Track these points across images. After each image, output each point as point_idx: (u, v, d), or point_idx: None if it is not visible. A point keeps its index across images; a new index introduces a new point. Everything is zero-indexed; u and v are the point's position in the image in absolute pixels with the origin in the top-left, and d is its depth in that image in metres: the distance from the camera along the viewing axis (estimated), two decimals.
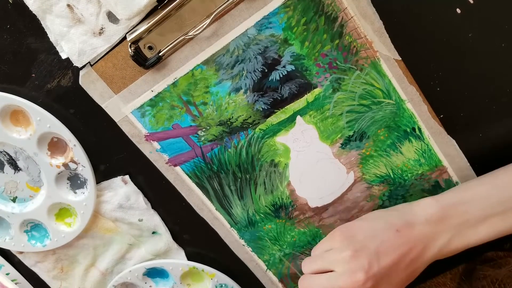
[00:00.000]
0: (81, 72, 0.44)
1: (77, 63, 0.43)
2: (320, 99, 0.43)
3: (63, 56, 0.43)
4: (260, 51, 0.42)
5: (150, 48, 0.41)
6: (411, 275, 0.41)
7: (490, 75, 0.40)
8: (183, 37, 0.41)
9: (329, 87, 0.43)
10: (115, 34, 0.41)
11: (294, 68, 0.42)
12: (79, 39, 0.42)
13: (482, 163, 0.45)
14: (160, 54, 0.41)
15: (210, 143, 0.47)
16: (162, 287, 0.57)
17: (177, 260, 0.54)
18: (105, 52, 0.42)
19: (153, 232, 0.53)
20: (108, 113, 0.46)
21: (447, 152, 0.44)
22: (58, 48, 0.43)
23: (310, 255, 0.52)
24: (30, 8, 0.41)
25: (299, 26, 0.40)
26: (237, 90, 0.44)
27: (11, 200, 0.53)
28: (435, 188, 0.46)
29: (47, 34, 0.43)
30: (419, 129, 0.44)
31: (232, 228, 0.52)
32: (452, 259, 0.42)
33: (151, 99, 0.45)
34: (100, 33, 0.41)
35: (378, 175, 0.46)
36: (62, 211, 0.53)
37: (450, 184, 0.46)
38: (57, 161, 0.49)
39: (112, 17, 0.41)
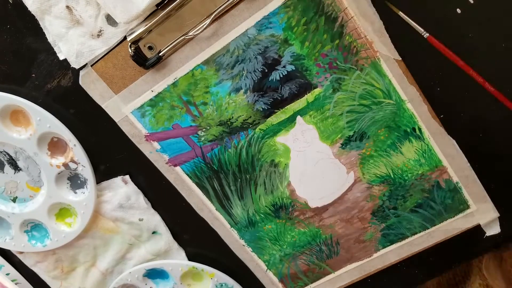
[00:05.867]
0: (81, 72, 0.44)
1: (75, 64, 0.43)
2: (320, 99, 0.43)
3: (61, 57, 0.43)
4: (260, 51, 0.42)
5: (150, 48, 0.41)
6: None
7: (490, 75, 0.40)
8: (183, 37, 0.41)
9: (329, 87, 0.43)
10: (113, 36, 0.41)
11: (294, 68, 0.42)
12: (77, 41, 0.42)
13: (482, 163, 0.45)
14: (160, 54, 0.41)
15: (210, 143, 0.46)
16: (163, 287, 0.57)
17: (177, 261, 0.54)
18: (103, 55, 0.42)
19: (153, 232, 0.53)
20: (108, 113, 0.46)
21: (447, 152, 0.44)
22: (56, 49, 0.43)
23: (310, 255, 0.52)
24: (29, 9, 0.41)
25: (299, 26, 0.40)
26: (237, 90, 0.44)
27: (11, 200, 0.53)
28: (435, 188, 0.46)
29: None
30: (419, 129, 0.44)
31: (232, 228, 0.52)
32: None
33: (151, 99, 0.45)
34: (98, 35, 0.41)
35: (378, 175, 0.46)
36: (62, 211, 0.53)
37: (450, 184, 0.46)
38: (57, 161, 0.49)
39: (110, 20, 0.41)
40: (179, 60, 0.42)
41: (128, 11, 0.38)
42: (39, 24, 0.42)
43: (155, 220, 0.52)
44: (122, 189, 0.50)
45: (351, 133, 0.45)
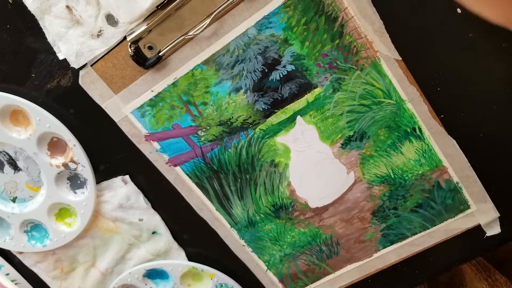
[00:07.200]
0: (81, 72, 0.44)
1: (74, 64, 0.43)
2: (320, 99, 0.43)
3: (60, 57, 0.43)
4: (260, 51, 0.42)
5: (150, 48, 0.41)
6: None
7: (490, 75, 0.40)
8: (183, 37, 0.41)
9: (330, 87, 0.43)
10: (113, 36, 0.41)
11: (294, 68, 0.42)
12: (77, 41, 0.42)
13: (482, 163, 0.45)
14: (160, 54, 0.41)
15: (210, 143, 0.46)
16: None
17: (177, 261, 0.54)
18: (103, 55, 0.42)
19: (153, 232, 0.53)
20: (108, 113, 0.46)
21: (448, 152, 0.44)
22: (55, 49, 0.43)
23: (310, 255, 0.52)
24: (28, 8, 0.41)
25: (300, 26, 0.40)
26: (237, 90, 0.44)
27: (11, 200, 0.53)
28: (436, 188, 0.46)
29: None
30: (420, 129, 0.44)
31: (232, 228, 0.51)
32: None
33: (151, 99, 0.44)
34: (98, 35, 0.41)
35: (378, 175, 0.46)
36: (62, 211, 0.53)
37: (450, 184, 0.46)
38: (57, 161, 0.49)
39: (110, 20, 0.41)
40: (179, 60, 0.42)
41: (131, 11, 0.38)
42: (39, 24, 0.42)
43: (155, 220, 0.52)
44: (122, 189, 0.50)
45: (351, 133, 0.44)
